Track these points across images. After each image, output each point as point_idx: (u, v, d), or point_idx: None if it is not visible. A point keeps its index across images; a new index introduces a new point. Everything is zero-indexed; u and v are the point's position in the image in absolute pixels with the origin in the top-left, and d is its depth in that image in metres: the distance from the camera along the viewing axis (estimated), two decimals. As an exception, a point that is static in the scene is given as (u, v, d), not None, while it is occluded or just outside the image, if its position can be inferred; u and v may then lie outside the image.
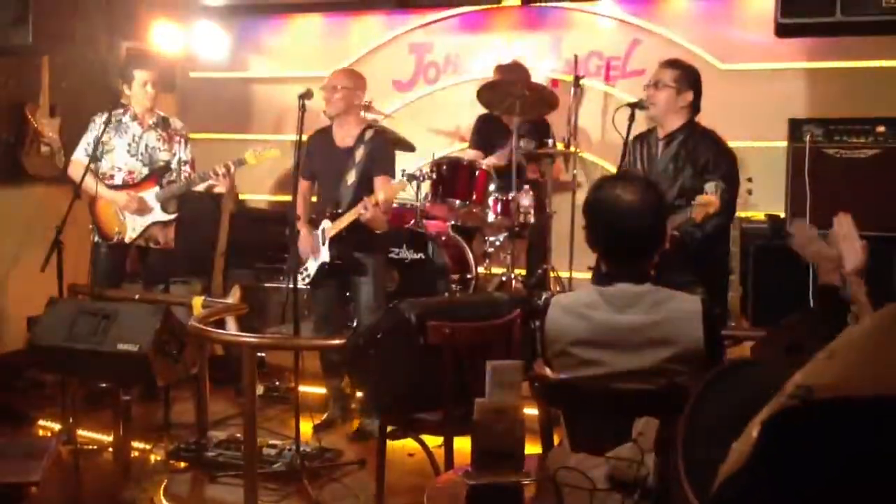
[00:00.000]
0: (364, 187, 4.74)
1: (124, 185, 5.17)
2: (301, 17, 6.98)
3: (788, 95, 5.71)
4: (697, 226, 3.79)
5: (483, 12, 6.53)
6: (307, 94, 4.38)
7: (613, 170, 5.35)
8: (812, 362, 1.30)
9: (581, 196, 4.46)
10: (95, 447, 4.54)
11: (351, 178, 4.81)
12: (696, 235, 3.87)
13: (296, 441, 4.20)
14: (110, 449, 4.46)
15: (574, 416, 2.48)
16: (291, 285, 4.33)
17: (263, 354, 5.26)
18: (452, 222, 5.72)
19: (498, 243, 5.76)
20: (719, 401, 1.83)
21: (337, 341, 4.15)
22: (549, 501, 2.20)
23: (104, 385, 4.58)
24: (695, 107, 4.21)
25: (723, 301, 3.99)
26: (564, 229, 5.56)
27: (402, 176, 5.04)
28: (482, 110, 5.86)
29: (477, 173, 5.38)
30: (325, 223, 4.83)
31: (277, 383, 5.36)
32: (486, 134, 5.92)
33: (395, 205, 5.63)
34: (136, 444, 4.38)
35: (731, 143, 5.72)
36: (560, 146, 5.81)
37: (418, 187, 5.49)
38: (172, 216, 5.28)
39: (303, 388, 4.60)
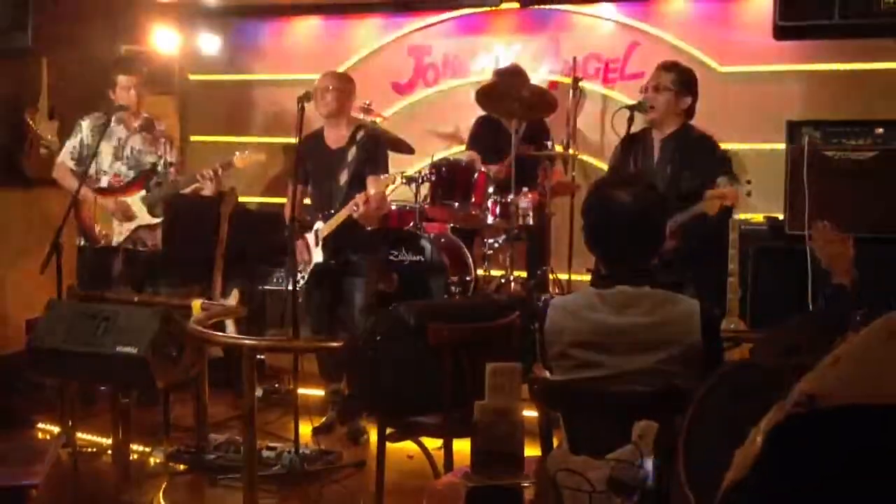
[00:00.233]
0: (357, 187, 4.76)
1: (110, 189, 5.14)
2: (300, 20, 6.98)
3: (787, 97, 5.71)
4: (704, 220, 3.84)
5: (482, 15, 6.53)
6: (306, 97, 4.39)
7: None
8: (817, 369, 1.30)
9: (580, 198, 4.48)
10: (95, 450, 4.54)
11: (343, 178, 4.83)
12: (699, 230, 3.91)
13: (295, 443, 4.20)
14: (109, 452, 4.45)
15: (573, 419, 2.49)
16: (290, 287, 4.33)
17: (263, 357, 5.26)
18: (451, 224, 5.72)
19: (497, 245, 5.76)
20: (720, 404, 1.83)
21: (336, 344, 4.15)
22: (549, 504, 2.21)
23: (103, 388, 4.58)
24: (691, 111, 4.23)
25: (721, 303, 4.00)
26: (563, 231, 5.57)
27: (401, 177, 5.06)
28: (481, 112, 5.87)
29: (476, 175, 5.38)
30: (318, 224, 4.85)
31: (277, 386, 5.36)
32: (485, 136, 5.92)
33: (393, 206, 5.65)
34: (135, 446, 4.37)
35: (730, 145, 5.76)
36: (559, 148, 5.81)
37: (417, 189, 5.50)
38: (159, 220, 5.27)
39: (302, 391, 4.60)
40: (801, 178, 4.84)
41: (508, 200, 5.30)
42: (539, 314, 2.57)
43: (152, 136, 5.29)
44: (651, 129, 4.27)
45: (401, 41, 6.71)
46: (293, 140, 4.81)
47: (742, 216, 4.05)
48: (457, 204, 5.36)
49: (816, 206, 4.14)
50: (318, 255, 4.80)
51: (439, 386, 3.25)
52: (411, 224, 5.54)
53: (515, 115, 5.33)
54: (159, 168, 5.28)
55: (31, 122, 5.73)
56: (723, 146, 5.64)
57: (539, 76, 6.19)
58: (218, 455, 4.33)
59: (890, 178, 4.80)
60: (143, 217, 5.21)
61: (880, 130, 4.91)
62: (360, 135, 4.89)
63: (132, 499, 4.02)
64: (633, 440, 2.18)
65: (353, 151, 4.84)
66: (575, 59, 6.07)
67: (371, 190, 4.57)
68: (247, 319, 5.15)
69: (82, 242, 5.21)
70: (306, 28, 7.00)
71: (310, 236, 4.92)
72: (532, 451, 2.51)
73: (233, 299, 5.37)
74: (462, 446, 2.98)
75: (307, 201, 5.15)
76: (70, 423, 4.50)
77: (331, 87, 4.83)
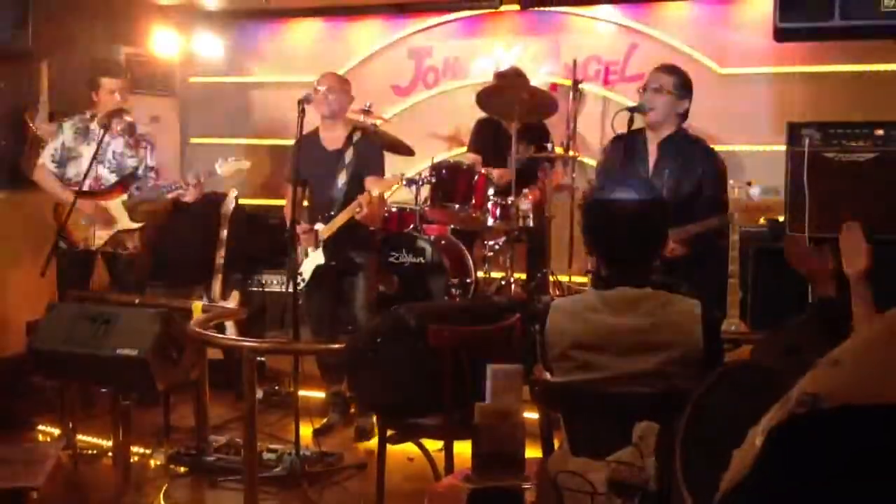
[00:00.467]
0: (355, 189, 4.77)
1: (91, 192, 5.12)
2: (300, 22, 6.99)
3: (787, 99, 5.71)
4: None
5: (482, 17, 6.54)
6: (307, 99, 4.39)
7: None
8: (817, 369, 1.30)
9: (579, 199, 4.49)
10: (95, 452, 4.54)
11: (342, 180, 4.84)
12: (706, 237, 3.95)
13: (296, 445, 4.20)
14: (110, 454, 4.46)
15: (574, 420, 2.49)
16: (290, 289, 4.33)
17: (263, 359, 5.26)
18: (452, 226, 5.73)
19: (497, 247, 5.77)
20: (718, 404, 1.83)
21: (337, 345, 4.15)
22: (550, 505, 2.21)
23: (104, 390, 4.58)
24: (686, 114, 4.25)
25: (722, 304, 4.00)
26: (563, 233, 5.57)
27: (402, 179, 5.06)
28: (481, 114, 5.87)
29: (476, 177, 5.38)
30: (318, 226, 4.84)
31: (277, 387, 5.36)
32: (485, 138, 5.92)
33: (394, 208, 5.65)
34: (135, 448, 4.37)
35: (730, 147, 5.77)
36: (559, 150, 5.82)
37: (418, 191, 5.50)
38: (139, 225, 5.26)
39: (302, 393, 4.60)
40: (802, 179, 4.84)
41: (509, 202, 5.30)
42: (540, 316, 2.57)
43: (134, 140, 5.27)
44: (643, 130, 4.27)
45: (401, 43, 6.71)
46: (290, 142, 4.82)
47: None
48: (457, 206, 5.37)
49: (817, 208, 4.14)
50: (318, 257, 4.80)
51: (440, 388, 3.25)
52: (411, 226, 5.54)
53: (516, 117, 5.33)
54: (139, 172, 5.27)
55: (30, 124, 5.73)
56: (723, 148, 5.67)
57: (539, 78, 6.19)
58: (218, 457, 4.33)
59: (891, 179, 4.81)
60: (124, 221, 5.19)
61: (881, 132, 4.91)
62: (356, 136, 4.90)
63: (132, 501, 4.03)
64: (634, 441, 2.18)
65: (350, 153, 4.85)
66: (575, 60, 6.07)
67: (375, 191, 4.57)
68: (247, 321, 5.15)
69: (61, 245, 5.16)
70: (306, 30, 7.01)
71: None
72: (533, 452, 2.52)
73: (233, 301, 5.38)
74: (463, 448, 2.98)
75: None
76: (70, 425, 4.50)
77: (333, 88, 4.84)
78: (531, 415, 2.50)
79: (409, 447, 3.73)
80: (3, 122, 5.70)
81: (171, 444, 4.49)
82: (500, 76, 5.88)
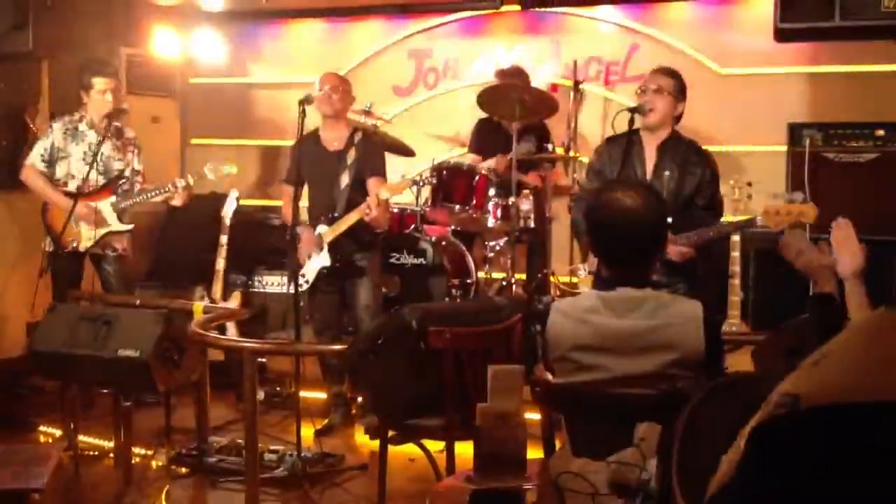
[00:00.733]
0: (357, 190, 4.77)
1: (79, 194, 5.10)
2: (301, 23, 6.99)
3: (788, 100, 5.71)
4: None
5: (483, 17, 6.54)
6: (307, 100, 4.39)
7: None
8: (799, 369, 1.30)
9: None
10: (96, 453, 4.54)
11: (344, 181, 4.83)
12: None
13: (297, 446, 4.20)
14: (111, 455, 4.46)
15: (575, 421, 2.49)
16: (292, 290, 4.33)
17: (264, 360, 5.26)
18: (453, 227, 5.73)
19: (498, 248, 5.77)
20: (715, 413, 1.83)
21: (338, 347, 4.15)
22: (551, 506, 2.21)
23: (105, 391, 4.58)
24: (681, 117, 4.27)
25: (723, 305, 4.01)
26: (564, 234, 5.57)
27: (411, 184, 5.06)
28: (482, 115, 5.87)
29: (477, 178, 5.38)
30: (321, 228, 4.84)
31: (278, 388, 5.36)
32: (486, 139, 5.92)
33: (395, 209, 5.65)
34: (137, 450, 4.37)
35: (731, 148, 5.78)
36: (560, 151, 5.82)
37: (418, 192, 5.49)
38: (129, 227, 5.26)
39: (304, 394, 4.60)
40: (803, 179, 4.86)
41: (509, 203, 5.31)
42: (541, 317, 2.57)
43: (121, 143, 5.27)
44: (638, 132, 4.27)
45: (402, 44, 6.72)
46: (290, 142, 4.82)
47: (744, 219, 4.05)
48: (458, 207, 5.37)
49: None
50: (324, 259, 4.80)
51: (441, 389, 3.25)
52: (412, 227, 5.54)
53: (516, 118, 5.33)
54: (126, 175, 5.27)
55: (31, 125, 5.73)
56: (724, 148, 5.68)
57: (540, 78, 6.20)
58: (219, 458, 4.33)
59: (892, 179, 4.81)
60: (114, 223, 5.20)
61: (881, 132, 4.93)
62: (357, 137, 4.90)
63: (134, 502, 4.02)
64: (636, 442, 2.18)
65: (352, 154, 4.84)
66: (576, 61, 6.07)
67: (385, 194, 4.57)
68: (248, 322, 5.15)
69: (49, 248, 5.15)
70: (307, 31, 7.01)
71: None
72: (534, 453, 2.52)
73: (234, 302, 5.37)
74: (464, 449, 2.98)
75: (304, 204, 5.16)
76: (72, 427, 4.50)
77: (337, 88, 4.84)
78: (532, 416, 2.50)
79: (410, 448, 3.73)
80: (3, 123, 5.70)
81: (172, 446, 4.48)
82: (501, 74, 5.88)
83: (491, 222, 5.42)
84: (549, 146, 5.74)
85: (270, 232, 6.27)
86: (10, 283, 5.65)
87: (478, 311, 3.72)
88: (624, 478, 2.16)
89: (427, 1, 6.68)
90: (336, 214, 4.76)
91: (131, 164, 5.31)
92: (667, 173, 4.14)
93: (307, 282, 4.83)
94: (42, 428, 4.89)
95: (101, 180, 5.20)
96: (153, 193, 5.19)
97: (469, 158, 5.89)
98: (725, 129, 5.79)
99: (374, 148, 4.95)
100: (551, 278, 5.58)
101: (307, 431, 4.45)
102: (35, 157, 5.16)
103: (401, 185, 4.76)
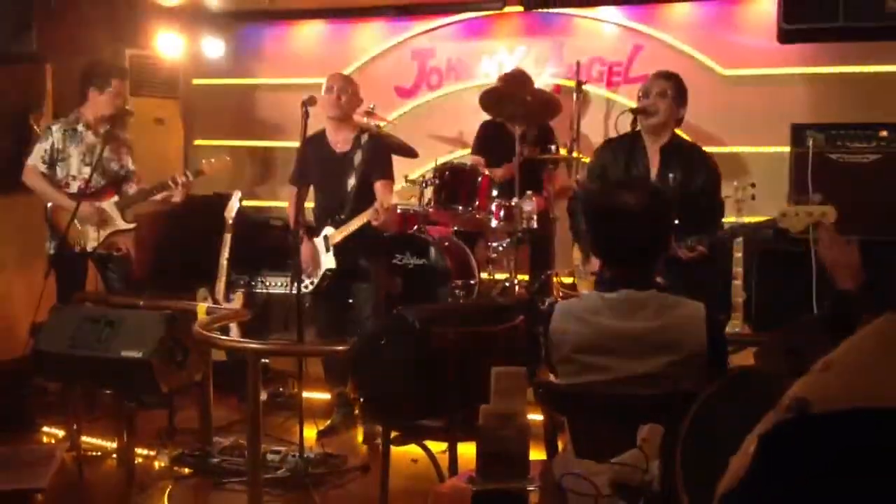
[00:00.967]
0: (364, 192, 4.76)
1: (80, 194, 5.11)
2: (304, 24, 6.99)
3: (791, 101, 5.71)
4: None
5: (485, 18, 6.54)
6: (310, 101, 4.39)
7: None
8: (808, 374, 1.30)
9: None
10: (99, 454, 4.55)
11: (351, 183, 4.83)
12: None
13: (300, 447, 4.20)
14: (114, 456, 4.46)
15: (578, 422, 2.49)
16: (295, 291, 4.33)
17: (267, 360, 5.26)
18: (455, 228, 5.73)
19: (501, 249, 5.75)
20: (719, 413, 1.83)
21: (341, 347, 4.15)
22: (554, 507, 2.20)
23: (108, 392, 4.58)
24: (681, 121, 4.27)
25: (725, 305, 4.01)
26: (567, 235, 5.57)
27: (405, 181, 5.06)
28: (485, 116, 5.87)
29: (480, 179, 5.38)
30: (328, 230, 4.84)
31: (281, 389, 5.36)
32: (489, 140, 5.92)
33: (398, 210, 5.65)
34: (140, 450, 4.38)
35: (733, 149, 5.78)
36: (563, 152, 5.82)
37: (421, 193, 5.50)
38: (132, 225, 5.28)
39: (306, 394, 4.60)
40: (806, 180, 4.85)
41: (512, 204, 5.30)
42: (544, 318, 2.57)
43: (116, 145, 5.28)
44: (640, 134, 4.27)
45: (404, 45, 6.71)
46: (294, 143, 4.81)
47: (746, 220, 4.05)
48: (460, 207, 5.37)
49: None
50: (330, 261, 4.79)
51: (444, 389, 3.24)
52: (415, 227, 5.54)
53: (519, 119, 5.33)
54: (122, 175, 5.29)
55: (35, 127, 5.73)
56: (727, 149, 5.68)
57: (543, 80, 6.20)
58: (222, 459, 4.33)
59: (894, 180, 4.80)
60: (119, 223, 5.21)
61: (884, 133, 4.92)
62: (364, 138, 4.90)
63: (137, 502, 4.03)
64: (638, 444, 2.18)
65: (359, 155, 4.84)
66: (578, 62, 6.07)
67: (393, 199, 4.59)
68: (251, 322, 5.15)
69: (52, 250, 5.15)
70: (310, 32, 7.01)
71: (318, 241, 4.91)
72: (537, 454, 2.51)
73: (237, 303, 5.38)
74: (467, 450, 2.98)
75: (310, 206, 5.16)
76: (75, 427, 4.50)
77: (345, 89, 4.84)
78: (535, 417, 2.50)
79: (412, 449, 3.73)
80: (8, 125, 5.70)
81: (175, 446, 4.49)
82: (503, 79, 5.88)
83: (494, 223, 5.42)
84: (553, 147, 5.73)
85: (273, 233, 6.27)
86: (13, 284, 5.66)
87: (481, 311, 3.73)
88: (627, 479, 2.16)
89: (430, 2, 6.68)
90: (343, 216, 4.76)
91: (126, 166, 5.33)
92: (671, 175, 4.14)
93: (312, 283, 4.85)
94: (45, 428, 4.89)
95: (101, 180, 5.21)
96: (153, 191, 5.21)
97: (472, 160, 5.89)
98: (728, 130, 5.78)
99: (381, 150, 4.95)
100: (554, 279, 5.57)
101: (310, 432, 4.45)
102: (36, 159, 5.17)
103: (412, 192, 4.78)
